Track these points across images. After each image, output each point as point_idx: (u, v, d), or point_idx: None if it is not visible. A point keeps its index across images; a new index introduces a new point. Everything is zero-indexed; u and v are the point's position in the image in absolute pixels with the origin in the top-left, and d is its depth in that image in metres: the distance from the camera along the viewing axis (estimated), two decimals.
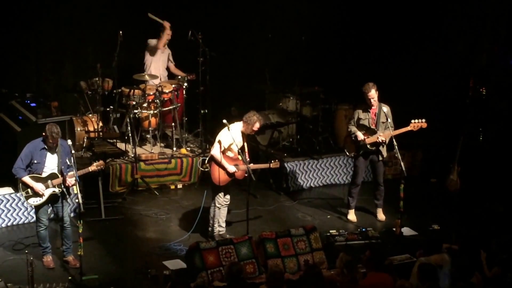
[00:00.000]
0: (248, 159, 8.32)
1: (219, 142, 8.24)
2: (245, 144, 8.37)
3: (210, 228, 8.51)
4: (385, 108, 8.90)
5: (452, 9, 11.45)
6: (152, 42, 10.74)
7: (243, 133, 8.33)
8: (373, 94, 8.80)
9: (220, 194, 8.37)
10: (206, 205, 8.85)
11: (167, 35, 10.67)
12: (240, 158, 8.26)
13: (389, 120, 8.84)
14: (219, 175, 8.25)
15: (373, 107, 8.91)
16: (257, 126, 8.25)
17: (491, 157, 10.74)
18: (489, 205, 9.71)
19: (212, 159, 8.29)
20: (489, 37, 11.44)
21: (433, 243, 7.26)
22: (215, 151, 8.26)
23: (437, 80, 11.60)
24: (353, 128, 9.03)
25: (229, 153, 8.31)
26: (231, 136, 8.19)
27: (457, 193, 10.11)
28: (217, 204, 8.39)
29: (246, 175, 8.31)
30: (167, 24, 10.61)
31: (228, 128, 8.22)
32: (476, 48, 11.55)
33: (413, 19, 11.61)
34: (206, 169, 8.42)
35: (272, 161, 8.52)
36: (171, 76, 11.07)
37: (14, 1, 10.38)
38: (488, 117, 11.23)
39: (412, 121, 8.80)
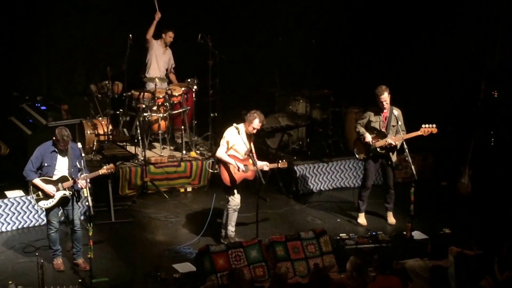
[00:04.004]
0: (256, 160, 8.31)
1: (225, 141, 8.23)
2: (252, 145, 8.35)
3: (223, 232, 8.46)
4: (396, 112, 8.85)
5: (463, 11, 11.40)
6: (152, 40, 10.77)
7: (248, 135, 8.31)
8: (385, 97, 8.77)
9: (233, 195, 8.34)
10: (215, 208, 8.84)
11: (169, 37, 10.77)
12: (250, 161, 8.24)
13: (399, 123, 8.81)
14: (229, 176, 8.24)
15: (384, 110, 8.87)
16: (256, 123, 8.19)
17: (502, 161, 10.67)
18: (501, 209, 9.64)
19: (219, 160, 8.28)
20: (501, 39, 11.37)
21: (439, 248, 7.20)
22: (219, 152, 8.25)
23: (448, 83, 11.55)
24: (362, 129, 9.00)
25: (238, 155, 8.30)
26: (236, 134, 8.18)
27: (468, 197, 10.05)
28: (232, 206, 8.37)
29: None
30: (157, 15, 10.69)
31: (238, 130, 8.21)
32: (488, 50, 11.48)
33: (424, 21, 11.56)
34: (216, 171, 8.41)
35: (280, 161, 8.50)
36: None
37: (24, 5, 10.43)
38: (500, 120, 11.16)
39: (423, 125, 8.75)
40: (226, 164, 8.25)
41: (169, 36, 10.81)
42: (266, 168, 8.40)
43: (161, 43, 10.85)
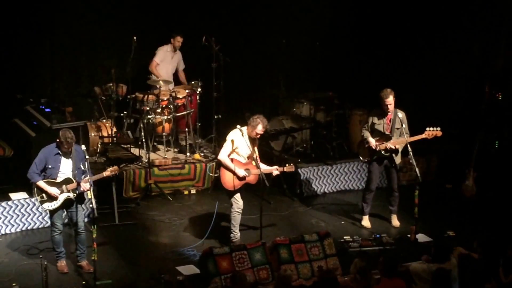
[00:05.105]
0: (261, 164, 8.29)
1: (229, 141, 8.21)
2: (256, 148, 8.34)
3: (232, 234, 8.44)
4: (400, 114, 8.84)
5: (467, 12, 11.38)
6: (165, 49, 10.79)
7: (252, 138, 8.29)
8: (390, 100, 8.74)
9: (236, 198, 8.32)
10: (219, 212, 8.83)
11: (177, 42, 10.84)
12: (254, 164, 8.23)
13: (404, 126, 8.79)
14: (229, 180, 8.22)
15: (389, 113, 8.86)
16: (259, 128, 8.17)
17: (507, 163, 10.64)
18: (505, 211, 9.61)
19: (220, 164, 8.27)
20: (505, 41, 11.35)
21: (442, 250, 7.18)
22: (222, 155, 8.24)
23: (453, 85, 11.53)
24: (366, 133, 8.99)
25: (241, 159, 8.29)
26: (240, 136, 8.17)
27: (473, 199, 10.03)
28: (236, 209, 8.34)
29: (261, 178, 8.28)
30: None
31: (241, 132, 8.21)
32: (492, 52, 11.46)
33: (427, 24, 11.55)
34: (216, 175, 8.40)
35: (287, 165, 8.48)
36: (176, 79, 11.10)
37: (29, 7, 10.45)
38: (504, 122, 11.13)
39: (427, 129, 8.73)
40: (227, 168, 8.23)
41: (178, 41, 10.86)
42: (276, 172, 8.37)
43: (170, 48, 10.88)
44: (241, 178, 8.24)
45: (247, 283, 6.77)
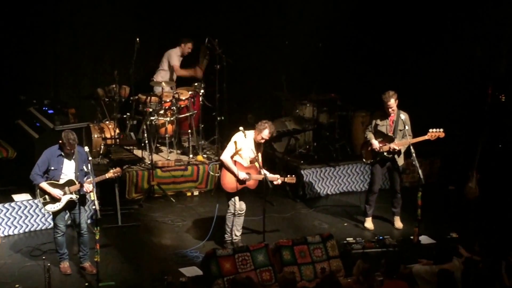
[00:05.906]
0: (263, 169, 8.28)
1: (233, 142, 8.20)
2: (259, 153, 8.32)
3: (226, 235, 8.47)
4: (403, 116, 8.83)
5: (470, 14, 11.37)
6: (176, 53, 10.77)
7: (256, 143, 8.27)
8: (392, 104, 8.74)
9: (233, 201, 8.31)
10: (220, 213, 8.83)
11: (187, 49, 10.82)
12: (257, 165, 8.22)
13: (406, 127, 8.79)
14: (228, 182, 8.22)
15: (391, 115, 8.86)
16: (265, 133, 8.15)
17: (510, 165, 10.62)
18: (509, 213, 9.60)
19: (222, 165, 8.27)
20: (508, 43, 11.34)
21: (444, 252, 7.18)
22: (224, 155, 8.23)
23: (456, 87, 11.52)
24: (369, 135, 8.99)
25: (243, 162, 8.28)
26: (243, 138, 8.17)
27: (476, 201, 10.02)
28: (231, 210, 8.35)
29: (261, 182, 8.26)
30: (198, 72, 10.93)
31: (244, 134, 8.20)
32: (495, 54, 11.45)
33: (430, 26, 11.54)
34: (217, 174, 8.40)
35: (288, 175, 8.46)
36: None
37: (32, 8, 10.46)
38: (507, 124, 11.12)
39: (430, 130, 8.73)
40: (228, 170, 8.22)
41: (188, 47, 10.79)
42: (278, 182, 8.33)
43: (180, 53, 10.82)
44: (241, 181, 8.24)
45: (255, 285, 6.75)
